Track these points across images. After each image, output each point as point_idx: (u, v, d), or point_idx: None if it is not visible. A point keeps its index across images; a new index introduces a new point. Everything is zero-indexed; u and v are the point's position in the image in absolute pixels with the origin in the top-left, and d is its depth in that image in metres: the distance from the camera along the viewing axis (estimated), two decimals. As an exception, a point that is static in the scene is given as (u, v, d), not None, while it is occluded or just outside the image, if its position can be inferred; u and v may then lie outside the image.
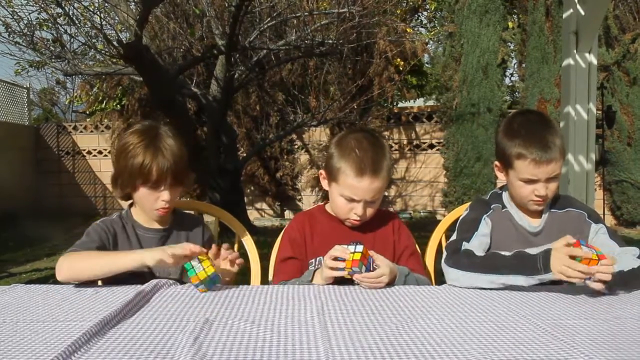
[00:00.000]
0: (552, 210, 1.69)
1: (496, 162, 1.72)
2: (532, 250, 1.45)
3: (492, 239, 1.69)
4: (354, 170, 1.62)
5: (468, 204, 1.85)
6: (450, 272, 1.55)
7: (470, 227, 1.67)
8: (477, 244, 1.63)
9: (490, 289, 1.47)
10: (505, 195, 1.75)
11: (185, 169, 1.67)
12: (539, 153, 1.55)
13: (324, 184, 1.75)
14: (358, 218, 1.67)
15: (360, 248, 1.46)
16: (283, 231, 1.82)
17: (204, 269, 1.41)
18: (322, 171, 1.77)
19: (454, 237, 1.69)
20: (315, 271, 1.61)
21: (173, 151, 1.63)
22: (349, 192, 1.64)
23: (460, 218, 1.76)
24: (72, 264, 1.49)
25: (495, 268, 1.46)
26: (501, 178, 1.72)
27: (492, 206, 1.72)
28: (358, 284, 1.52)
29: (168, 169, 1.60)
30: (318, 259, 1.70)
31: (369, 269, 1.47)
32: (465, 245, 1.60)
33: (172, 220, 1.76)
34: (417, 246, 1.86)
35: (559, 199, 1.69)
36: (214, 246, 1.62)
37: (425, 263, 1.91)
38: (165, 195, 1.64)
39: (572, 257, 1.36)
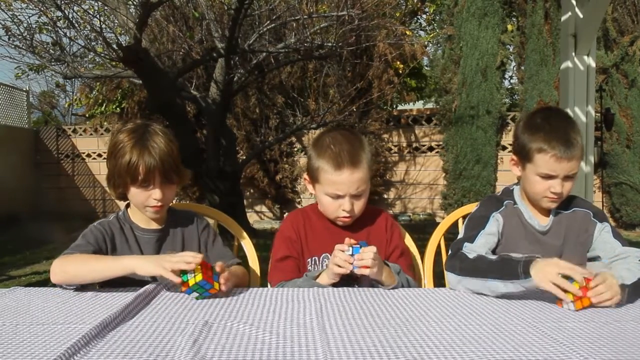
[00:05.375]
0: (559, 210, 1.69)
1: (512, 156, 1.71)
2: (518, 255, 1.44)
3: (503, 236, 1.68)
4: (332, 164, 1.62)
5: (466, 206, 1.85)
6: (448, 277, 1.56)
7: (477, 225, 1.67)
8: (483, 243, 1.63)
9: (485, 294, 1.47)
10: (516, 191, 1.75)
11: (175, 166, 1.65)
12: (561, 148, 1.54)
13: (310, 188, 1.76)
14: (347, 214, 1.66)
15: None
16: (278, 230, 1.81)
17: (193, 276, 1.38)
18: (305, 176, 1.77)
19: (460, 235, 1.69)
20: (320, 272, 1.60)
21: (161, 149, 1.60)
22: (333, 189, 1.64)
23: (470, 214, 1.76)
24: (64, 268, 1.49)
25: (481, 272, 1.46)
26: (516, 173, 1.71)
27: (504, 202, 1.71)
28: (357, 282, 1.53)
29: (155, 167, 1.58)
30: (314, 258, 1.71)
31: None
32: (467, 247, 1.60)
33: (168, 220, 1.75)
34: (407, 246, 1.86)
35: (565, 198, 1.68)
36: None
37: (415, 264, 1.91)
38: (156, 193, 1.62)
39: (566, 277, 1.33)
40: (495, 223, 1.67)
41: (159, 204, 1.64)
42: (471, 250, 1.58)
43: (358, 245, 1.48)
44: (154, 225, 1.72)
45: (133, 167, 1.58)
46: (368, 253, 1.47)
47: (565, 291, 1.31)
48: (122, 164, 1.59)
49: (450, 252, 1.63)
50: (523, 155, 1.63)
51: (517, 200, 1.72)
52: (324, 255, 1.71)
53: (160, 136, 1.64)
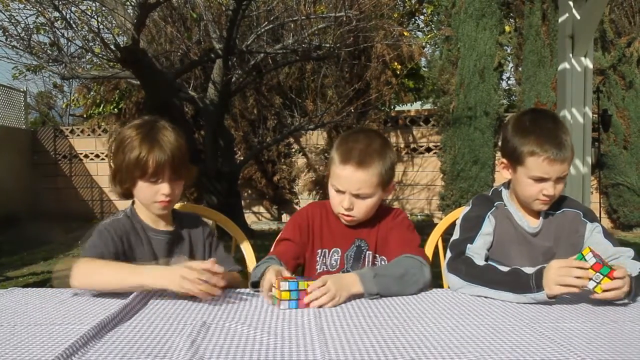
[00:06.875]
0: (549, 211, 1.68)
1: (502, 160, 1.70)
2: (528, 270, 1.44)
3: (495, 237, 1.68)
4: (340, 158, 1.64)
5: (463, 207, 1.84)
6: (450, 278, 1.55)
7: (474, 226, 1.66)
8: (481, 244, 1.63)
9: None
10: (505, 194, 1.74)
11: (184, 162, 1.64)
12: (554, 151, 1.54)
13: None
14: (345, 211, 1.66)
15: (293, 286, 1.33)
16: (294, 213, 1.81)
17: None
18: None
19: (457, 235, 1.67)
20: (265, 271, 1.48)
21: (171, 143, 1.60)
22: (336, 182, 1.66)
23: (463, 214, 1.74)
24: (87, 273, 1.44)
25: (489, 282, 1.46)
26: (506, 176, 1.70)
27: (495, 203, 1.71)
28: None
29: (165, 161, 1.57)
30: (324, 250, 1.72)
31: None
32: (470, 248, 1.59)
33: (175, 221, 1.74)
34: (415, 235, 1.75)
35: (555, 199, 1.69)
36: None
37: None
38: (164, 188, 1.60)
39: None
40: (489, 224, 1.67)
41: (167, 199, 1.62)
42: (474, 253, 1.58)
43: (295, 280, 1.35)
44: (163, 226, 1.71)
45: (143, 161, 1.56)
46: (317, 291, 1.35)
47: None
48: (130, 159, 1.58)
49: (450, 253, 1.61)
50: (514, 159, 1.62)
51: (506, 202, 1.72)
52: (333, 249, 1.73)
53: (169, 131, 1.64)
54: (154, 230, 1.69)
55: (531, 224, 1.68)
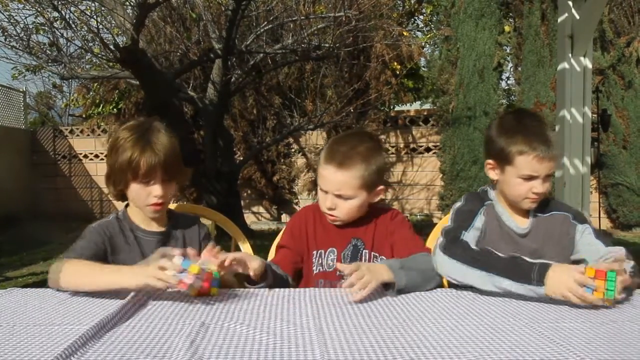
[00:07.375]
0: (537, 214, 1.69)
1: (489, 161, 1.70)
2: (529, 258, 1.44)
3: (482, 233, 1.67)
4: (323, 157, 1.68)
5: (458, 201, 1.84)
6: (444, 260, 1.52)
7: (467, 218, 1.67)
8: (473, 236, 1.62)
9: (482, 290, 1.46)
10: (492, 194, 1.75)
11: (177, 164, 1.65)
12: (543, 148, 1.56)
13: None
14: (328, 211, 1.69)
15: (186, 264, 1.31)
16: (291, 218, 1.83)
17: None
18: None
19: (450, 224, 1.66)
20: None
21: (163, 145, 1.60)
22: (320, 181, 1.69)
23: (456, 207, 1.73)
24: (64, 277, 1.45)
25: (487, 266, 1.44)
26: (493, 177, 1.71)
27: (485, 202, 1.73)
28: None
29: (157, 162, 1.58)
30: (319, 251, 1.73)
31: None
32: (464, 235, 1.59)
33: (168, 222, 1.74)
34: (414, 234, 1.77)
35: (542, 202, 1.68)
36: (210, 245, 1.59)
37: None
38: (156, 190, 1.61)
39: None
40: (480, 219, 1.68)
41: (160, 201, 1.62)
42: (471, 240, 1.58)
43: (188, 260, 1.32)
44: (155, 227, 1.71)
45: (134, 163, 1.57)
46: (353, 277, 1.36)
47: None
48: (123, 160, 1.58)
49: (444, 238, 1.58)
50: (502, 159, 1.64)
51: (494, 202, 1.73)
52: (329, 249, 1.73)
53: (162, 133, 1.64)
54: (144, 231, 1.69)
55: (519, 224, 1.68)
